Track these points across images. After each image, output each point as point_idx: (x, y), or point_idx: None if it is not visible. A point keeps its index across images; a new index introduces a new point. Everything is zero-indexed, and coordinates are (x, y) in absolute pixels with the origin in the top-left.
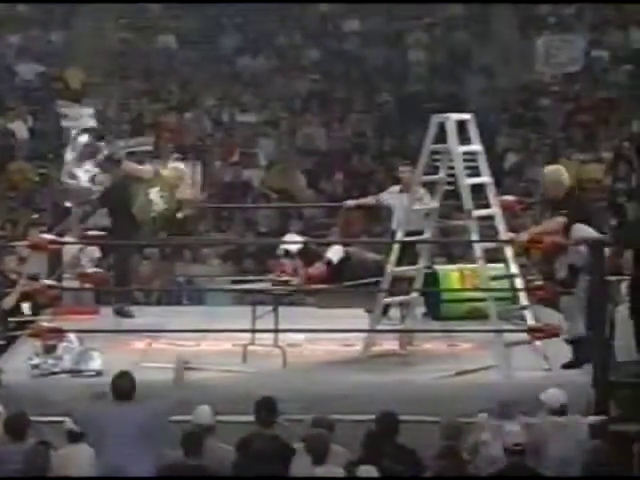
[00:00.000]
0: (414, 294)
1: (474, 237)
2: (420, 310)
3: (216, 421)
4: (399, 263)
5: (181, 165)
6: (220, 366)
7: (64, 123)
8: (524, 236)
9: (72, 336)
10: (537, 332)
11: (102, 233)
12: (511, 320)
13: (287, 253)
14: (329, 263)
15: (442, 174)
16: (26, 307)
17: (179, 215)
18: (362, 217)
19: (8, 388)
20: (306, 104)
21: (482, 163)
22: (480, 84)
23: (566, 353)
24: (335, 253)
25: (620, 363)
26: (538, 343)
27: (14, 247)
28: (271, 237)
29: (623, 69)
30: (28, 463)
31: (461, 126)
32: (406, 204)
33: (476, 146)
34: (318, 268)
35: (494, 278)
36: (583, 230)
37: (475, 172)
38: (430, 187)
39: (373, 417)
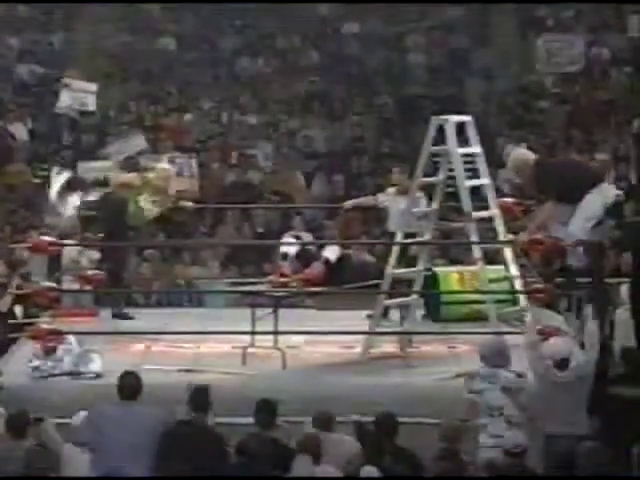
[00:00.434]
0: (414, 296)
1: (473, 239)
2: (420, 312)
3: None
4: (397, 265)
5: (166, 165)
6: (220, 368)
7: (63, 96)
8: (524, 237)
9: (72, 338)
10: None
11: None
12: (511, 322)
13: (285, 256)
14: (327, 262)
15: (441, 176)
16: (18, 310)
17: (179, 205)
18: (361, 219)
19: (8, 390)
20: (305, 106)
21: (481, 165)
22: (479, 86)
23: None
24: (332, 252)
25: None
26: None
27: (14, 249)
28: (270, 239)
29: (623, 70)
30: (28, 463)
31: (460, 128)
32: (402, 206)
33: (475, 148)
34: (316, 268)
35: (494, 280)
36: (562, 229)
37: (474, 174)
38: (429, 189)
39: (373, 419)
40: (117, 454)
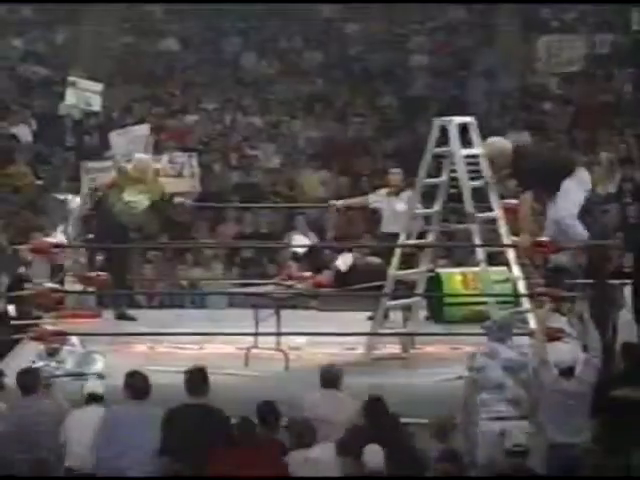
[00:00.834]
0: (417, 297)
1: (476, 240)
2: (423, 313)
3: None
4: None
5: (144, 156)
6: (222, 369)
7: (69, 95)
8: (527, 239)
9: (75, 339)
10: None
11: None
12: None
13: (295, 256)
14: (337, 271)
15: (444, 177)
16: (11, 309)
17: (173, 202)
18: (362, 219)
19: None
20: (308, 107)
21: (484, 166)
22: (482, 87)
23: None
24: (344, 262)
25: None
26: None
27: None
28: (274, 239)
29: (626, 71)
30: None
31: (463, 129)
32: (396, 207)
33: (478, 149)
34: (326, 276)
35: (497, 281)
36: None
37: (477, 175)
38: (432, 190)
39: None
40: (132, 453)
